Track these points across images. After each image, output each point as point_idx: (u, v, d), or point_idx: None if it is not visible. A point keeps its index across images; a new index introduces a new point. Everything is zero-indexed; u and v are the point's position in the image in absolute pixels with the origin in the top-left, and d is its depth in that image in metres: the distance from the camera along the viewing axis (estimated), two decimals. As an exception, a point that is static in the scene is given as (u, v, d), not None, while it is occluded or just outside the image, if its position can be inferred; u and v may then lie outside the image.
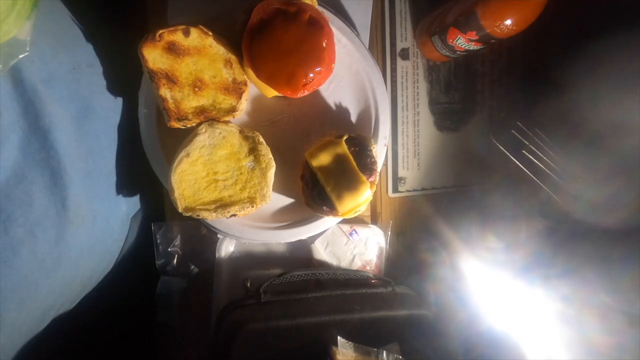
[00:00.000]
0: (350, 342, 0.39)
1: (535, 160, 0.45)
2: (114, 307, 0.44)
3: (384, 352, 0.39)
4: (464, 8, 0.42)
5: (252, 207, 0.42)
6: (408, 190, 0.54)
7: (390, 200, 0.54)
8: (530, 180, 0.48)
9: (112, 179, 0.41)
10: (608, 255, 0.46)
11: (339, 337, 0.39)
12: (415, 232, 0.55)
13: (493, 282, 0.51)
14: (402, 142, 0.53)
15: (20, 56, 0.28)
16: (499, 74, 0.55)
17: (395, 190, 0.54)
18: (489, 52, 0.54)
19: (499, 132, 0.47)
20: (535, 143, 0.47)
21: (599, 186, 0.49)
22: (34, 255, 0.32)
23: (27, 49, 0.29)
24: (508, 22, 0.39)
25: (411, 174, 0.54)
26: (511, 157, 0.46)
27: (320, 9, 0.42)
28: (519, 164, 0.45)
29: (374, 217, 0.53)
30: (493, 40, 0.42)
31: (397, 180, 0.54)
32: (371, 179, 0.44)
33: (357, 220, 0.52)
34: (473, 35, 0.42)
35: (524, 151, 0.45)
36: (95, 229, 0.37)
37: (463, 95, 0.55)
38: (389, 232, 0.52)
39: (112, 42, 0.39)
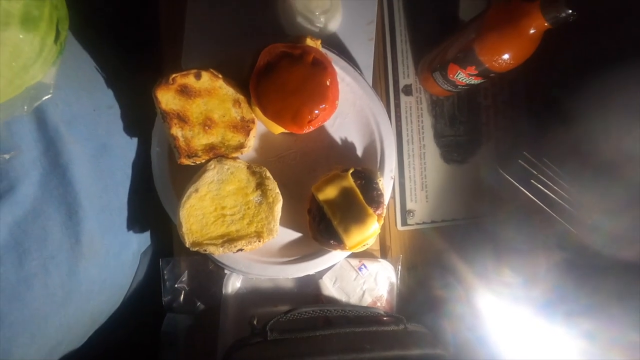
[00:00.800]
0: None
1: (545, 190, 0.44)
2: (120, 344, 0.43)
3: (397, 396, 0.37)
4: (463, 45, 0.44)
5: (259, 241, 0.42)
6: (417, 223, 0.53)
7: (399, 233, 0.53)
8: (543, 211, 0.47)
9: (124, 214, 0.42)
10: (633, 290, 0.43)
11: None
12: (427, 267, 0.54)
13: (512, 320, 0.48)
14: (409, 175, 0.54)
15: (44, 98, 0.31)
16: (502, 106, 0.55)
17: (404, 223, 0.53)
18: (490, 86, 0.55)
19: (506, 163, 0.47)
20: (545, 173, 0.46)
21: (617, 217, 0.47)
22: (46, 289, 0.32)
23: (51, 92, 0.31)
24: (505, 56, 0.41)
25: (420, 206, 0.54)
26: (520, 187, 0.45)
27: (323, 50, 0.45)
28: (530, 195, 0.44)
29: (384, 251, 0.52)
30: (492, 74, 0.44)
31: (405, 213, 0.53)
32: (378, 212, 0.44)
33: (366, 255, 0.51)
34: (472, 70, 0.44)
35: (532, 181, 0.45)
36: (107, 264, 0.38)
37: (468, 128, 0.55)
38: (400, 267, 0.51)
39: (129, 85, 0.42)
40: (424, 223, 0.54)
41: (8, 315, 0.30)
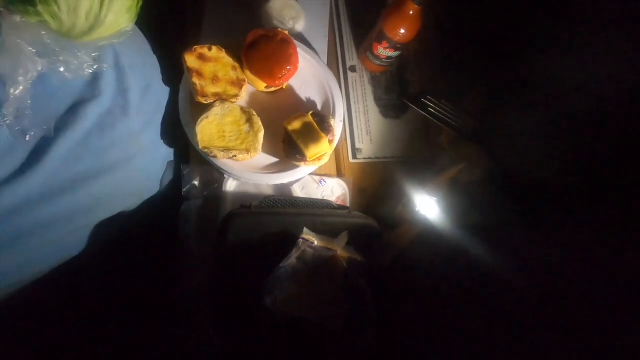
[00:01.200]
0: (314, 232, 0.56)
1: (437, 111, 0.66)
2: (150, 223, 0.62)
3: (338, 238, 0.55)
4: (378, 29, 0.68)
5: (248, 154, 0.63)
6: (364, 158, 0.74)
7: (351, 165, 0.73)
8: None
9: (158, 129, 0.63)
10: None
11: (304, 228, 0.55)
12: (373, 190, 0.73)
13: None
14: (357, 125, 0.75)
15: (122, 39, 0.53)
16: (421, 80, 0.78)
17: (354, 157, 0.73)
18: (415, 65, 0.79)
19: (414, 100, 0.69)
20: (436, 102, 0.69)
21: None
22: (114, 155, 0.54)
23: (129, 34, 0.54)
24: (402, 31, 0.64)
25: (366, 146, 0.74)
26: (419, 110, 0.68)
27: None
28: (424, 113, 0.66)
29: (340, 175, 0.72)
30: (399, 45, 0.67)
31: (355, 150, 0.74)
32: (329, 138, 0.65)
33: (326, 174, 0.71)
34: (385, 44, 0.68)
35: (429, 108, 0.66)
36: (146, 156, 0.58)
37: (398, 95, 0.78)
38: (351, 186, 0.71)
39: (166, 50, 0.66)
40: (369, 158, 0.74)
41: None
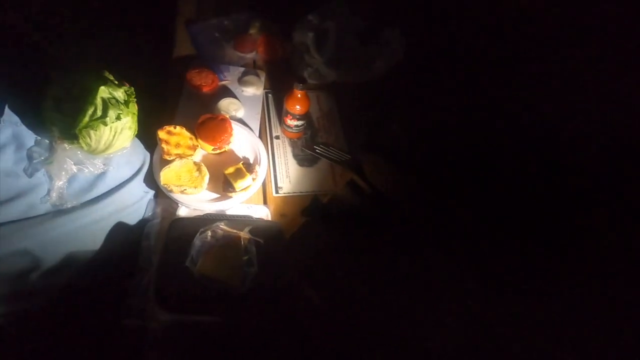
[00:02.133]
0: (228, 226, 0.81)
1: (326, 153, 0.97)
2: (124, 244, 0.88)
3: (244, 229, 0.80)
4: (284, 108, 1.05)
5: (196, 190, 0.93)
6: (284, 193, 1.02)
7: (274, 198, 1.01)
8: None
9: (141, 180, 0.94)
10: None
11: (220, 221, 0.81)
12: (291, 214, 0.99)
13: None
14: (279, 171, 1.06)
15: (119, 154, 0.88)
16: (329, 142, 1.12)
17: (276, 192, 1.02)
18: (322, 132, 1.14)
19: (309, 147, 1.01)
20: (325, 148, 1.00)
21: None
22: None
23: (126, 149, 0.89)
24: (297, 107, 1.01)
25: (285, 185, 1.04)
26: (309, 151, 0.99)
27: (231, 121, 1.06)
28: (314, 154, 0.97)
29: (265, 204, 1.00)
30: (298, 117, 1.03)
31: (277, 187, 1.03)
32: (252, 176, 0.96)
33: (254, 204, 0.99)
34: (290, 117, 1.04)
35: (316, 149, 0.98)
36: (137, 197, 0.89)
37: (310, 153, 1.11)
38: (272, 209, 0.98)
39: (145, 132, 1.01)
40: (288, 193, 1.02)
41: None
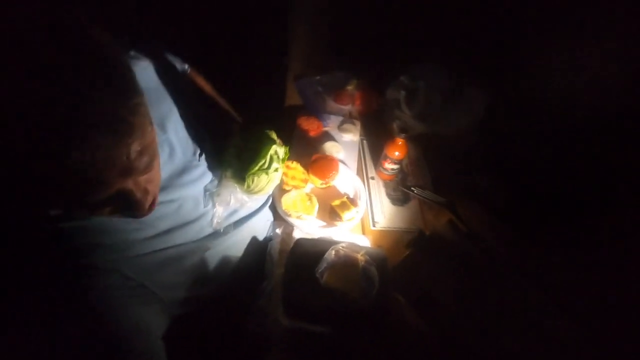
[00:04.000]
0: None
1: (423, 197, 1.10)
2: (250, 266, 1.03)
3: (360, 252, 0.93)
4: (384, 153, 1.21)
5: (308, 217, 1.09)
6: (381, 227, 1.15)
7: (372, 231, 1.14)
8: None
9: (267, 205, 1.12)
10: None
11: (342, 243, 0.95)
12: (387, 246, 1.11)
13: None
14: (375, 208, 1.20)
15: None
16: (416, 183, 1.26)
17: (373, 226, 1.15)
18: (412, 179, 1.28)
19: (406, 187, 1.15)
20: (420, 190, 1.13)
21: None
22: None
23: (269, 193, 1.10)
24: (397, 153, 1.16)
25: (381, 220, 1.17)
26: (407, 191, 1.12)
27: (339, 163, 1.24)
28: (412, 194, 1.11)
29: (364, 234, 1.13)
30: (396, 162, 1.18)
31: (374, 222, 1.16)
32: (356, 209, 1.10)
33: (356, 234, 1.12)
34: (389, 161, 1.19)
35: (414, 190, 1.11)
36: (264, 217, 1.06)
37: (403, 192, 1.24)
38: (371, 240, 1.10)
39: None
40: (383, 228, 1.15)
41: None
